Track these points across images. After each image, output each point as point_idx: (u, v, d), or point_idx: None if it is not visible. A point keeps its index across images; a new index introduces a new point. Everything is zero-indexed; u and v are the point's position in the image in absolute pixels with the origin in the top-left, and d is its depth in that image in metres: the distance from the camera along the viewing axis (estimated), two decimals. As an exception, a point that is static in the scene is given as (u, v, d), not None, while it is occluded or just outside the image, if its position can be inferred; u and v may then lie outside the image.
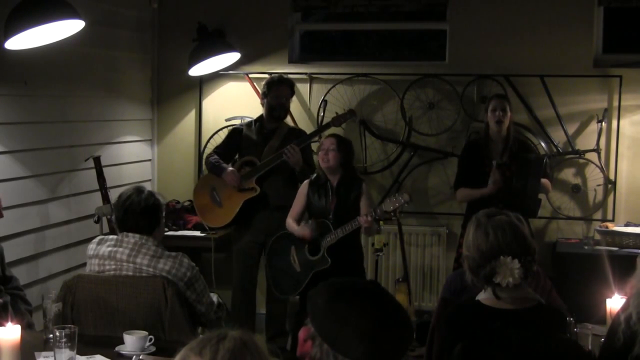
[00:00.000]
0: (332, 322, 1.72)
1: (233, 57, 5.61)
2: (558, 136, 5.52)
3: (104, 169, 4.82)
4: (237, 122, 5.57)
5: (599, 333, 2.85)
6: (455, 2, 5.64)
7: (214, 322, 3.30)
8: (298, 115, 5.72)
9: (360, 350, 1.69)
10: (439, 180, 5.69)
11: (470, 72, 5.56)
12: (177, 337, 3.06)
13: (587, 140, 5.50)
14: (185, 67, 5.52)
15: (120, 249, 3.21)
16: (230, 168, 4.96)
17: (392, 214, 4.43)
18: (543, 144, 5.51)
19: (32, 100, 4.48)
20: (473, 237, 2.50)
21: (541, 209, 4.92)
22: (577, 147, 5.49)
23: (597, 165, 5.46)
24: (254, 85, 5.75)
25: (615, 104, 5.44)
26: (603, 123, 5.43)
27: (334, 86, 5.74)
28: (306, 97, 5.82)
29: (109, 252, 3.22)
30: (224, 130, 5.73)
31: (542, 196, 4.87)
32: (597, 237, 5.30)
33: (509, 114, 4.79)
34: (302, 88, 5.78)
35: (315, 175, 4.65)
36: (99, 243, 3.28)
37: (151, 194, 3.28)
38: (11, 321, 2.61)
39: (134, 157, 5.72)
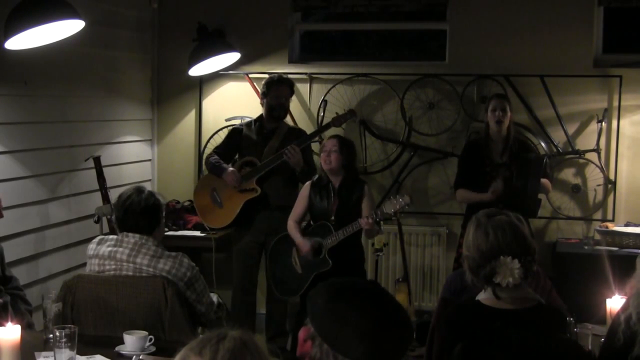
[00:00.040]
0: (332, 322, 1.72)
1: (233, 57, 5.61)
2: (558, 136, 5.52)
3: (104, 169, 4.82)
4: (237, 122, 5.57)
5: (599, 333, 2.85)
6: (455, 2, 5.64)
7: (214, 322, 3.30)
8: (298, 115, 5.72)
9: (360, 350, 1.69)
10: (439, 180, 5.69)
11: (470, 72, 5.56)
12: (177, 337, 3.06)
13: (587, 140, 5.50)
14: (185, 67, 5.53)
15: (120, 249, 3.21)
16: (231, 168, 4.96)
17: (392, 215, 4.44)
18: (543, 144, 5.51)
19: (32, 100, 4.48)
20: (473, 237, 2.50)
21: (541, 209, 4.92)
22: (577, 147, 5.49)
23: (597, 165, 5.46)
24: (254, 85, 5.75)
25: (615, 104, 5.44)
26: (603, 123, 5.43)
27: (334, 86, 5.74)
28: (306, 97, 5.82)
29: (109, 252, 3.22)
30: (224, 130, 5.72)
31: (542, 196, 4.87)
32: (597, 237, 5.30)
33: (509, 114, 4.79)
34: (302, 88, 5.78)
35: (317, 176, 4.65)
36: (99, 243, 3.28)
37: (151, 194, 3.28)
38: (11, 321, 2.61)
39: (134, 157, 5.72)
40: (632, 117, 5.46)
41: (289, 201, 4.80)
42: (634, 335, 2.27)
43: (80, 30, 3.98)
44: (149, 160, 5.99)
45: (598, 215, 5.54)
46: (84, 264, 3.43)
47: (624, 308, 2.36)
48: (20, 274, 3.96)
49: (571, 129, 5.52)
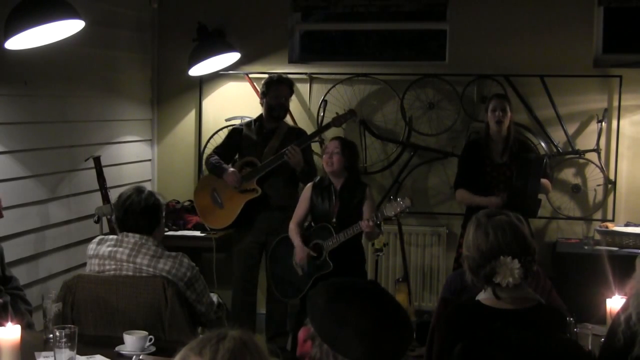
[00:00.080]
0: (332, 322, 1.72)
1: (233, 57, 5.61)
2: (558, 136, 5.52)
3: (104, 169, 4.82)
4: (237, 122, 5.56)
5: (599, 333, 2.85)
6: (455, 2, 5.64)
7: (214, 322, 3.30)
8: (298, 115, 5.72)
9: (360, 350, 1.69)
10: (439, 180, 5.69)
11: (470, 72, 5.56)
12: (177, 337, 3.06)
13: (587, 140, 5.50)
14: (185, 67, 5.53)
15: (120, 249, 3.21)
16: (231, 169, 4.96)
17: (393, 217, 4.43)
18: (543, 144, 5.51)
19: (32, 100, 4.48)
20: (473, 237, 2.50)
21: (541, 209, 4.92)
22: (577, 147, 5.49)
23: (597, 165, 5.46)
24: (254, 85, 5.75)
25: (615, 104, 5.44)
26: (603, 123, 5.43)
27: (334, 86, 5.74)
28: (306, 97, 5.82)
29: (109, 252, 3.22)
30: (224, 130, 5.72)
31: (542, 196, 4.87)
32: (597, 237, 5.30)
33: (509, 114, 4.79)
34: (302, 88, 5.78)
35: (318, 178, 4.64)
36: (99, 243, 3.28)
37: (151, 194, 3.28)
38: (11, 321, 2.61)
39: (134, 157, 5.72)
40: (632, 117, 5.46)
41: (289, 201, 4.80)
42: (634, 336, 2.27)
43: (80, 30, 3.98)
44: (149, 160, 5.99)
45: (598, 215, 5.54)
46: (84, 264, 3.43)
47: (624, 308, 2.36)
48: (20, 274, 3.96)
49: (571, 129, 5.52)
